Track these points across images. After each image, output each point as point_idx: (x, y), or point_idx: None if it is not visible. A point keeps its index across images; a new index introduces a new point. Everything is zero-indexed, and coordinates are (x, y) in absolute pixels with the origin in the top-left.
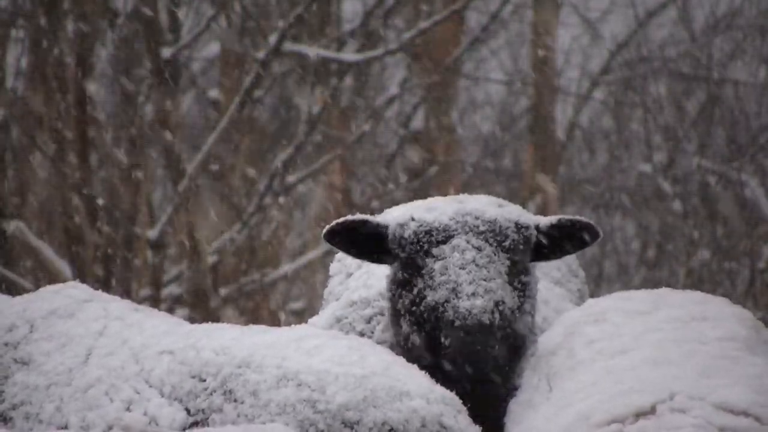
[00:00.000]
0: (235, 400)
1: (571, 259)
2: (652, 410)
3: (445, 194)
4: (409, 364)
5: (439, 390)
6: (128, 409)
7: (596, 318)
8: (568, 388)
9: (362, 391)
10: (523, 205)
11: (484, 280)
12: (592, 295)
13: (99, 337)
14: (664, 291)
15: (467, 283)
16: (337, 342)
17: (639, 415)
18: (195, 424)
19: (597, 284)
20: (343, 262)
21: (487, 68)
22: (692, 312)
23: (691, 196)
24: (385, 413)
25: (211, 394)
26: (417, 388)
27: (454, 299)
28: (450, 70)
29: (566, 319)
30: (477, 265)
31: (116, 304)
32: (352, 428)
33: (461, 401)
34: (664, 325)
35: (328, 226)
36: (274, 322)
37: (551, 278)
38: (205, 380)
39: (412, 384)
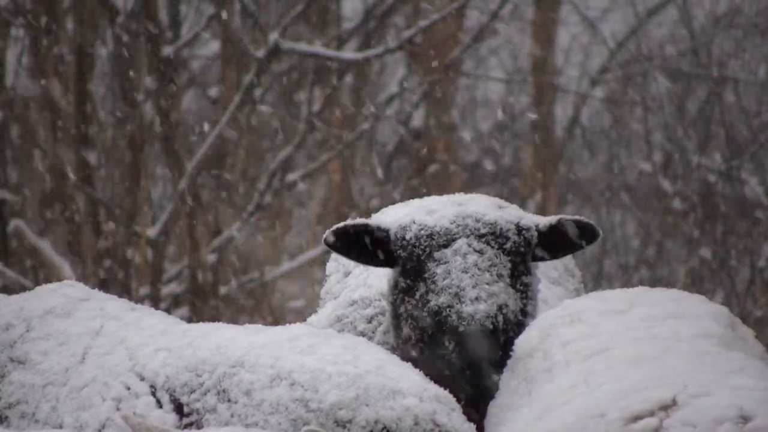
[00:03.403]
0: (229, 400)
1: (567, 259)
2: (674, 402)
3: (444, 194)
4: (404, 363)
5: (433, 388)
6: (118, 408)
7: (572, 319)
8: (548, 391)
9: (355, 389)
10: (523, 205)
11: (487, 283)
12: None
13: (96, 336)
14: (639, 290)
15: (470, 287)
16: (332, 341)
17: (663, 408)
18: (190, 425)
19: (597, 283)
20: (340, 260)
21: (487, 67)
22: (668, 310)
23: (691, 195)
24: (378, 412)
25: (206, 393)
26: (410, 386)
27: (457, 304)
28: (450, 69)
29: (541, 320)
30: (479, 269)
31: (113, 303)
32: (344, 427)
33: (462, 403)
34: (639, 323)
35: (328, 231)
36: (275, 320)
37: (549, 278)
38: (201, 375)
39: (406, 382)
